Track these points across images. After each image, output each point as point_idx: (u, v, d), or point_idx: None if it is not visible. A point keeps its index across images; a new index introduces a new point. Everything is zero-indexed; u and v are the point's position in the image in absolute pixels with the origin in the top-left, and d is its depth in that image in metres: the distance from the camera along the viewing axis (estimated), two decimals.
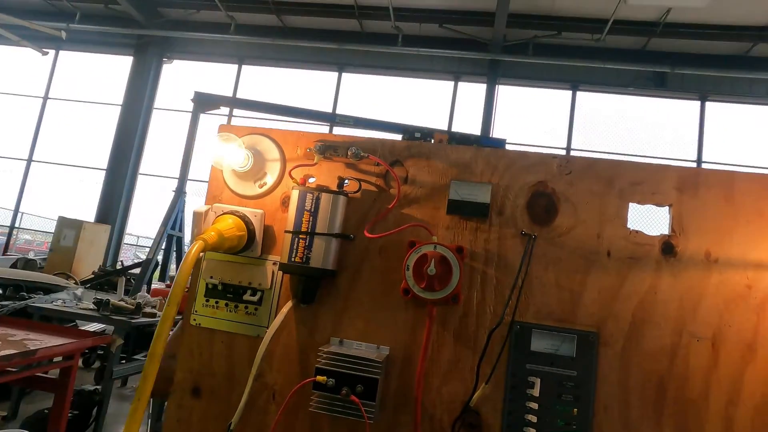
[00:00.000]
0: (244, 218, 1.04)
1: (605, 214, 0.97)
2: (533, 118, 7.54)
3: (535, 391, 0.94)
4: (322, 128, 5.87)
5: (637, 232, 0.96)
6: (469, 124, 7.30)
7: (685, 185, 0.95)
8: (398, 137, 4.56)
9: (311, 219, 0.97)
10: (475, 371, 0.94)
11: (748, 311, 0.91)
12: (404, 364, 0.99)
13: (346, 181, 1.03)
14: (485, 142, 5.48)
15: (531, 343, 0.96)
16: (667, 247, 0.94)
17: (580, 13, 6.38)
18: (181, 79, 8.13)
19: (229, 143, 1.04)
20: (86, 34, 7.78)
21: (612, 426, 0.92)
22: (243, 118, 6.59)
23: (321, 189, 0.98)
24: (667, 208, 0.96)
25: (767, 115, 6.84)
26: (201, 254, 1.05)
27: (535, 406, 0.94)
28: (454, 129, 7.20)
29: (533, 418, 0.94)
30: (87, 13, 7.75)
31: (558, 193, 0.99)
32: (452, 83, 7.49)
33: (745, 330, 0.91)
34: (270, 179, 1.07)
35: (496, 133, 7.12)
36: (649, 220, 1.00)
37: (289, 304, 1.00)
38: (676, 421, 0.91)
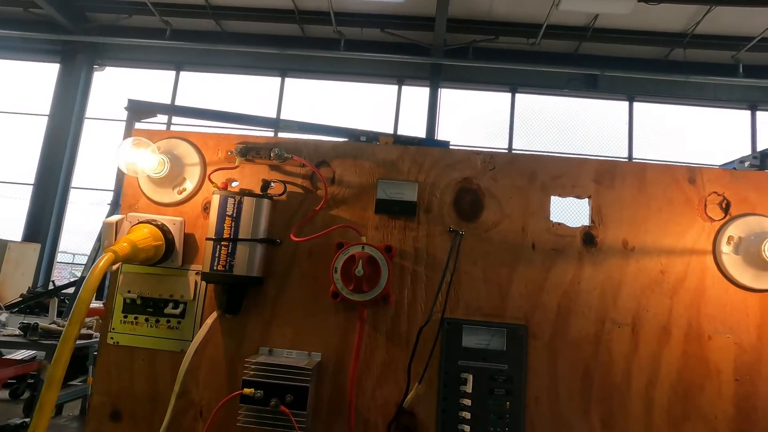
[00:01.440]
0: (161, 227, 0.98)
1: (529, 208, 0.98)
2: (476, 120, 7.73)
3: (468, 388, 0.94)
4: (267, 134, 5.74)
5: (559, 224, 0.98)
6: (414, 127, 7.38)
7: (602, 177, 0.99)
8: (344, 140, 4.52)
9: (233, 225, 0.93)
10: (408, 372, 0.92)
11: (663, 295, 0.95)
12: (337, 369, 0.96)
13: (272, 184, 0.99)
14: (429, 144, 5.55)
15: (462, 339, 0.96)
16: (588, 237, 0.97)
17: (516, 18, 6.62)
18: (115, 86, 7.71)
19: (141, 148, 0.97)
20: (6, 40, 7.22)
21: (542, 417, 0.93)
22: (184, 126, 6.33)
23: (243, 193, 0.94)
24: (586, 200, 0.99)
25: (687, 115, 7.38)
26: (115, 267, 0.98)
27: (468, 402, 0.94)
28: (399, 132, 7.26)
29: (467, 415, 0.93)
30: (4, 17, 7.20)
31: (483, 189, 1.00)
32: (396, 87, 7.56)
33: (661, 314, 0.95)
34: (189, 185, 1.01)
35: (441, 135, 7.24)
36: (570, 212, 1.03)
37: (214, 315, 0.95)
38: (602, 407, 0.93)
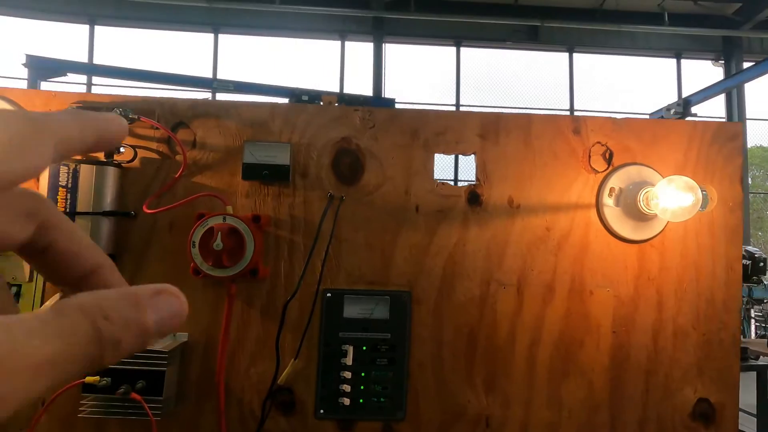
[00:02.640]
0: None
1: (412, 168, 0.91)
2: (423, 76, 7.58)
3: (348, 360, 0.89)
4: (204, 95, 5.38)
5: (443, 183, 0.92)
6: (361, 85, 7.15)
7: (487, 132, 0.92)
8: (285, 101, 4.29)
9: (68, 197, 0.80)
10: (276, 348, 0.85)
11: (547, 253, 0.92)
12: (207, 349, 0.87)
13: (120, 149, 0.86)
14: (375, 103, 5.39)
15: (344, 310, 0.90)
16: (473, 196, 0.92)
17: None
18: (15, 40, 6.88)
19: None
20: None
21: (426, 383, 0.90)
22: (106, 86, 5.80)
23: (78, 161, 0.81)
24: (472, 156, 0.92)
25: (623, 64, 7.53)
26: None
27: (348, 375, 0.89)
28: (345, 91, 7.01)
29: (347, 388, 0.89)
30: None
31: (363, 150, 0.91)
32: (339, 43, 7.23)
33: (545, 272, 0.92)
34: None
35: (389, 93, 7.06)
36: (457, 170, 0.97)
37: (56, 297, 0.83)
38: (486, 368, 0.91)
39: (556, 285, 0.92)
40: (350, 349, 0.89)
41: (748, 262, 4.64)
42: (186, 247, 0.81)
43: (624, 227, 0.91)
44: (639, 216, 0.90)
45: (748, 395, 3.63)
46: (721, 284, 0.93)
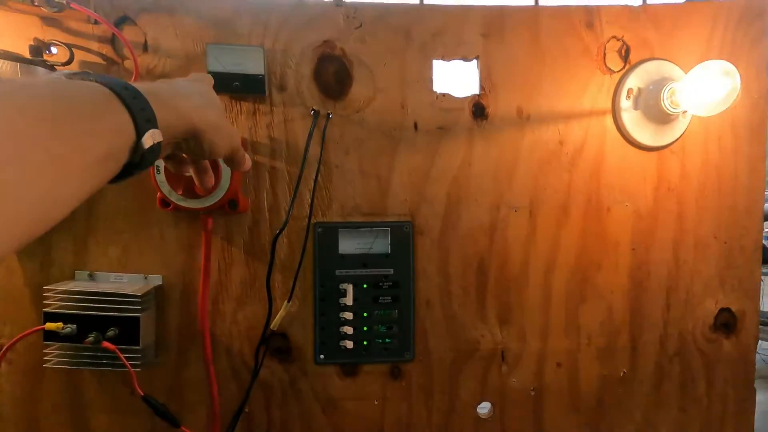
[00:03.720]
0: None
1: (407, 78, 0.78)
2: None
3: (348, 300, 0.79)
4: None
5: (444, 95, 0.79)
6: None
7: (490, 30, 0.79)
8: None
9: None
10: (267, 289, 0.74)
11: (561, 169, 0.82)
12: (185, 294, 0.75)
13: (51, 49, 0.69)
14: None
15: (339, 245, 0.79)
16: (478, 108, 0.80)
17: None
18: None
19: None
20: None
21: (435, 320, 0.81)
22: None
23: None
24: (474, 61, 0.80)
25: None
26: None
27: (350, 316, 0.79)
28: None
29: (349, 330, 0.79)
30: None
31: (349, 55, 0.77)
32: None
33: (560, 191, 0.82)
34: None
35: None
36: (457, 79, 0.84)
37: None
38: (499, 300, 0.83)
39: (570, 204, 0.83)
40: (349, 288, 0.78)
41: None
42: (147, 175, 0.67)
43: (643, 133, 0.82)
44: (661, 118, 0.81)
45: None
46: (744, 188, 0.86)
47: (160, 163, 0.67)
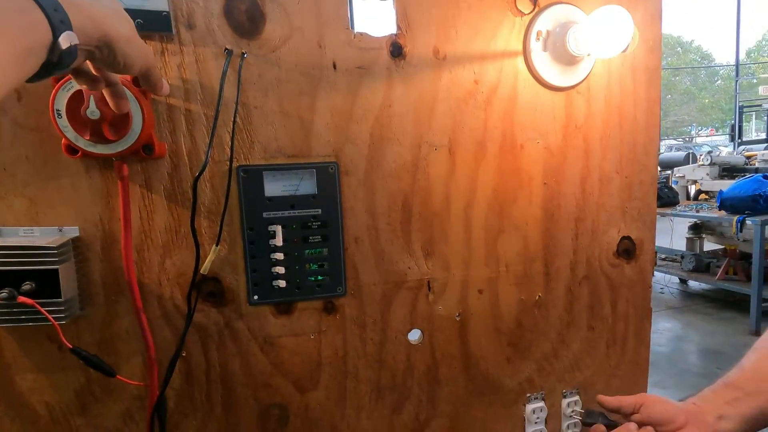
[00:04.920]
0: None
1: (323, 16, 0.77)
2: None
3: (278, 241, 0.80)
4: None
5: (361, 34, 0.80)
6: None
7: None
8: None
9: None
10: (192, 233, 0.75)
11: (477, 108, 0.86)
12: (107, 243, 0.74)
13: None
14: None
15: (264, 188, 0.80)
16: (396, 48, 0.81)
17: None
18: None
19: None
20: None
21: (364, 255, 0.85)
22: None
23: None
24: (390, 0, 0.81)
25: None
26: None
27: (281, 256, 0.81)
28: None
29: (281, 270, 0.81)
30: None
31: None
32: None
33: (476, 129, 0.87)
34: None
35: None
36: (374, 18, 0.85)
37: None
38: (423, 234, 0.87)
39: (487, 142, 0.87)
40: (278, 230, 0.80)
41: None
42: (47, 121, 0.65)
43: (552, 73, 0.87)
44: (567, 59, 0.85)
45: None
46: (642, 128, 0.93)
47: (61, 106, 0.64)
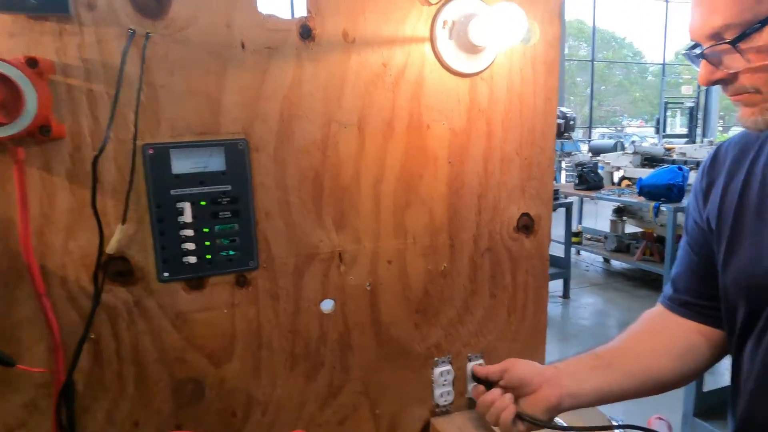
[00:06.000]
0: None
1: None
2: None
3: (187, 217, 0.85)
4: None
5: (270, 16, 0.84)
6: None
7: None
8: None
9: None
10: (94, 213, 0.78)
11: (385, 90, 0.93)
12: (4, 230, 0.76)
13: None
14: None
15: (172, 166, 0.83)
16: (305, 30, 0.86)
17: None
18: None
19: None
20: None
21: (276, 229, 0.91)
22: None
23: None
24: None
25: None
26: None
27: (190, 232, 0.86)
28: None
29: (191, 246, 0.86)
30: None
31: None
32: None
33: (384, 109, 0.94)
34: None
35: None
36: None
37: None
38: (334, 208, 0.94)
39: (395, 122, 0.95)
40: (187, 206, 0.85)
41: (562, 121, 5.52)
42: None
43: (457, 60, 0.95)
44: (470, 48, 0.94)
45: (558, 229, 4.58)
46: (540, 114, 1.05)
47: None
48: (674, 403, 2.01)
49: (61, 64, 0.75)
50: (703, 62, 0.62)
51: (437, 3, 0.93)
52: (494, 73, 0.99)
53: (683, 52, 0.68)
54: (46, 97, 0.71)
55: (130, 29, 0.76)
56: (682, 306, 0.82)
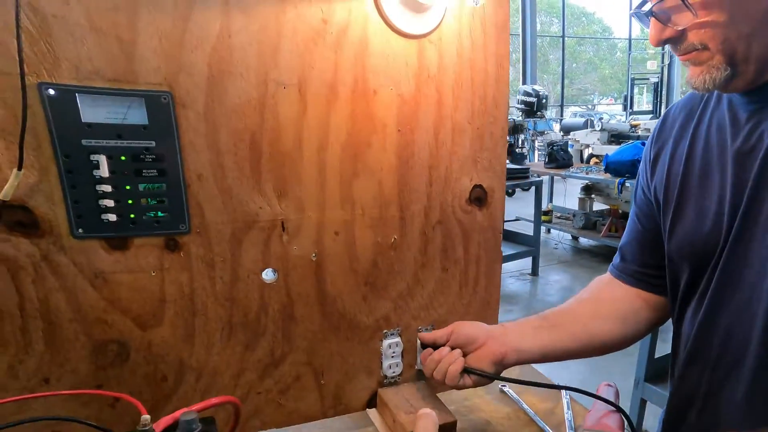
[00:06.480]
0: None
1: None
2: None
3: (104, 172, 0.52)
4: None
5: None
6: None
7: None
8: None
9: None
10: None
11: (327, 49, 0.59)
12: None
13: None
14: None
15: (82, 113, 0.51)
16: None
17: None
18: None
19: None
20: None
21: (209, 193, 0.57)
22: None
23: None
24: None
25: None
26: None
27: (108, 188, 0.52)
28: None
29: (110, 203, 0.53)
30: None
31: None
32: None
33: (327, 71, 0.59)
34: None
35: None
36: None
37: None
38: (275, 175, 0.60)
39: (338, 85, 0.60)
40: (102, 159, 0.51)
41: (534, 99, 4.51)
42: None
43: (402, 19, 0.60)
44: (416, 6, 0.59)
45: (528, 207, 3.81)
46: (492, 81, 0.68)
47: None
48: (629, 370, 1.56)
49: None
50: (652, 20, 0.43)
51: None
52: (443, 36, 0.63)
53: (632, 11, 0.46)
54: None
55: None
56: (628, 275, 0.62)
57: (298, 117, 0.59)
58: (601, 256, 4.25)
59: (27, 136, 0.47)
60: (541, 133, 5.50)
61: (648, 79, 9.60)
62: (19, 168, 0.48)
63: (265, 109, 0.57)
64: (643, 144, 3.29)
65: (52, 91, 0.48)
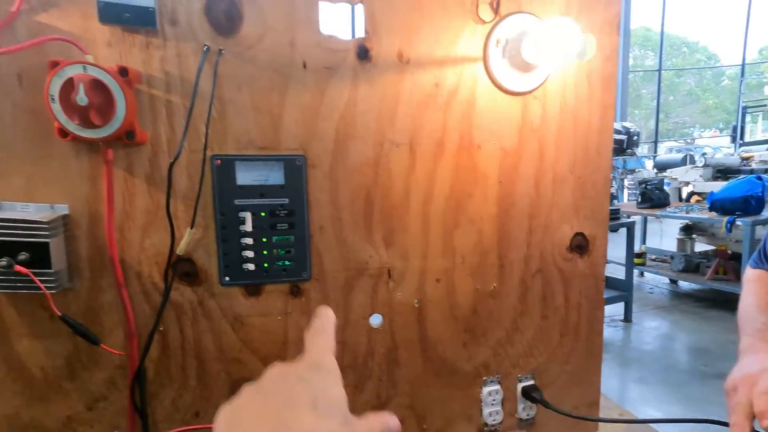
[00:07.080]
0: None
1: (295, 17, 0.79)
2: None
3: (248, 227, 0.82)
4: None
5: (330, 36, 0.81)
6: None
7: None
8: None
9: None
10: (168, 215, 0.76)
11: (437, 110, 0.88)
12: (92, 222, 0.77)
13: None
14: None
15: (237, 177, 0.81)
16: (362, 51, 0.83)
17: None
18: None
19: None
20: None
21: (328, 244, 0.87)
22: None
23: None
24: (360, 5, 0.82)
25: None
26: None
27: (250, 241, 0.83)
28: None
29: (250, 254, 0.83)
30: None
31: None
32: None
33: (435, 130, 0.88)
34: None
35: None
36: (342, 22, 0.86)
37: None
38: (384, 226, 0.89)
39: (445, 141, 0.89)
40: (248, 216, 0.82)
41: (624, 136, 4.96)
42: (43, 105, 0.67)
43: (510, 79, 0.88)
44: (523, 66, 0.87)
45: (619, 250, 4.11)
46: (596, 131, 0.95)
47: (55, 91, 0.67)
48: None
49: (146, 75, 0.75)
50: None
51: (491, 21, 0.87)
52: (547, 91, 0.91)
53: None
54: (132, 104, 0.72)
55: (205, 45, 0.76)
56: None
57: (408, 172, 0.88)
58: (706, 300, 4.54)
59: (201, 199, 0.78)
60: (632, 171, 6.25)
61: (765, 105, 10.36)
62: (192, 227, 0.79)
63: (379, 166, 0.87)
64: (759, 178, 3.46)
65: (219, 162, 0.79)
